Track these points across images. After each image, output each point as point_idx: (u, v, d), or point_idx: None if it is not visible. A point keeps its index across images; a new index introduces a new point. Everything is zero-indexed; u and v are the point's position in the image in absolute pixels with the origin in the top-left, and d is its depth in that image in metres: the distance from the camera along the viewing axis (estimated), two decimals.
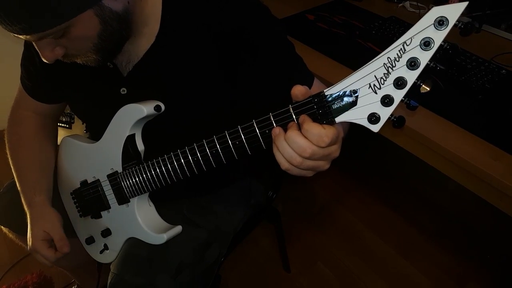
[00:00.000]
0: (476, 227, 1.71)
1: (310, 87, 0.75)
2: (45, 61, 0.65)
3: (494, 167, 0.87)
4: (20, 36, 0.59)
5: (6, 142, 0.95)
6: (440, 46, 0.46)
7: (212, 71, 0.75)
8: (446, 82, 1.12)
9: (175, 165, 0.71)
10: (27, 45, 0.86)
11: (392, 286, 1.50)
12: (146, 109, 0.73)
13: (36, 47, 0.64)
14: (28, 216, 0.88)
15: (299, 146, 0.52)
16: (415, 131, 0.98)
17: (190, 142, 0.68)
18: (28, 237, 0.87)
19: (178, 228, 0.83)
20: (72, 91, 0.86)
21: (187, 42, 0.73)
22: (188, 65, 0.75)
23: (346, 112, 0.52)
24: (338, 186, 1.91)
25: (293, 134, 0.52)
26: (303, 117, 0.53)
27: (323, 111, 0.53)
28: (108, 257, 0.91)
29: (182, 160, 0.70)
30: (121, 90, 0.79)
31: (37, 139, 0.95)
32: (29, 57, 0.86)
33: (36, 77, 0.88)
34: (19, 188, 0.90)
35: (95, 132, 0.90)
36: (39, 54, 0.65)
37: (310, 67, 1.21)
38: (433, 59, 0.46)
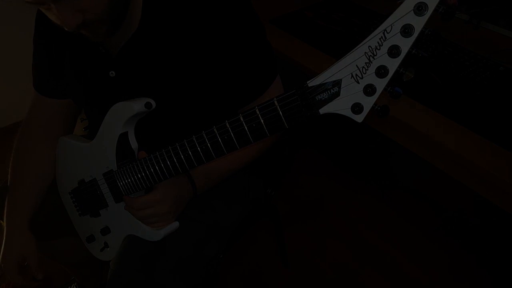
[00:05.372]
0: (476, 225, 1.68)
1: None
2: (66, 29, 0.64)
3: (493, 164, 0.87)
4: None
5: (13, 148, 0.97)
6: (421, 33, 0.45)
7: (194, 60, 0.76)
8: (444, 78, 1.11)
9: (167, 162, 0.71)
10: (35, 41, 0.90)
11: (391, 283, 1.49)
12: (136, 106, 0.73)
13: (57, 13, 0.63)
14: (5, 233, 0.91)
15: (132, 212, 0.80)
16: (413, 128, 0.97)
17: (184, 138, 0.68)
18: (1, 254, 0.91)
19: (175, 224, 0.83)
20: (69, 79, 0.88)
21: (170, 28, 0.75)
22: (171, 52, 0.76)
23: (329, 103, 0.51)
24: (337, 184, 1.89)
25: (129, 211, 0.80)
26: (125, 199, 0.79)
27: (307, 103, 0.52)
28: (108, 255, 0.92)
29: (174, 157, 0.70)
30: (110, 72, 0.81)
31: (42, 147, 0.96)
32: (37, 51, 0.91)
33: (42, 70, 0.92)
34: (6, 201, 0.93)
35: (91, 123, 0.93)
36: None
37: (309, 64, 1.20)
38: (415, 45, 0.46)
